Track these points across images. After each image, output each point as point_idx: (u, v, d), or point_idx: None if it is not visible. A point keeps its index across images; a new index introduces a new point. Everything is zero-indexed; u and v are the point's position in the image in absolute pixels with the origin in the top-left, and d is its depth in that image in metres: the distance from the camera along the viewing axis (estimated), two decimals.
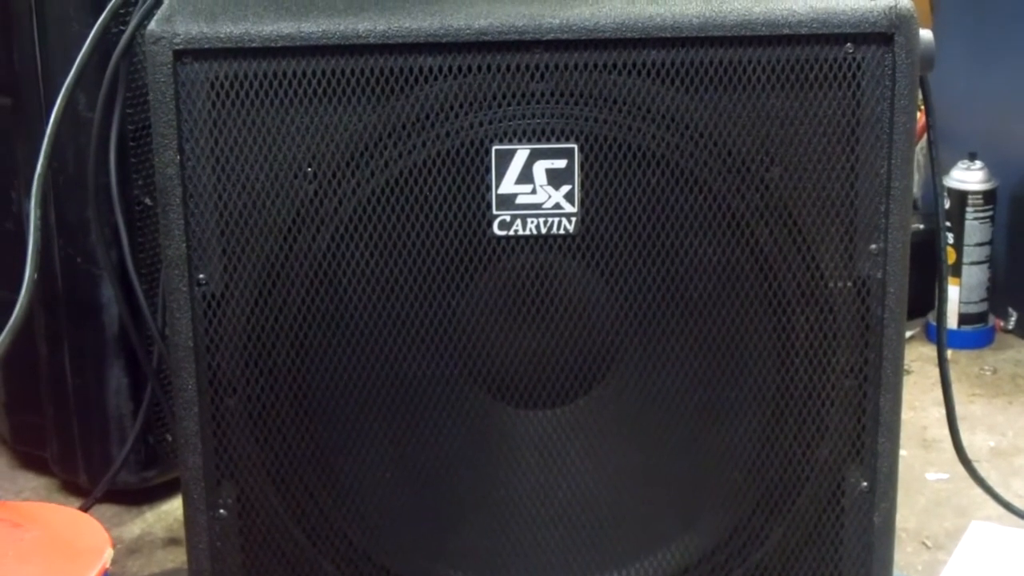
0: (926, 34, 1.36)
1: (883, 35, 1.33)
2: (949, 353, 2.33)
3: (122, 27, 1.59)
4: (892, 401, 1.42)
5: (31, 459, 2.08)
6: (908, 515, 1.95)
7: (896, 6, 1.33)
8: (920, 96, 1.43)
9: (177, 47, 1.31)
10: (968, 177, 2.34)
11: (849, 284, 1.39)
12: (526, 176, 1.34)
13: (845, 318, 1.39)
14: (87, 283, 1.86)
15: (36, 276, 1.42)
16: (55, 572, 0.98)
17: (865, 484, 1.44)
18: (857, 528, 1.46)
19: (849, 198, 1.37)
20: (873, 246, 1.38)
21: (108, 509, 1.98)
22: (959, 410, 2.16)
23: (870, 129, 1.35)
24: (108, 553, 0.98)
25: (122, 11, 1.58)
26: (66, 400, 1.94)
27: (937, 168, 1.65)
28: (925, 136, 2.50)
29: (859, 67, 1.34)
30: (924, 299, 2.33)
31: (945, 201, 2.35)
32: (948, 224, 2.35)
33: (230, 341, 1.38)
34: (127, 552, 1.90)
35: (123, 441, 1.90)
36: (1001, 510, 1.84)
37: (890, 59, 1.33)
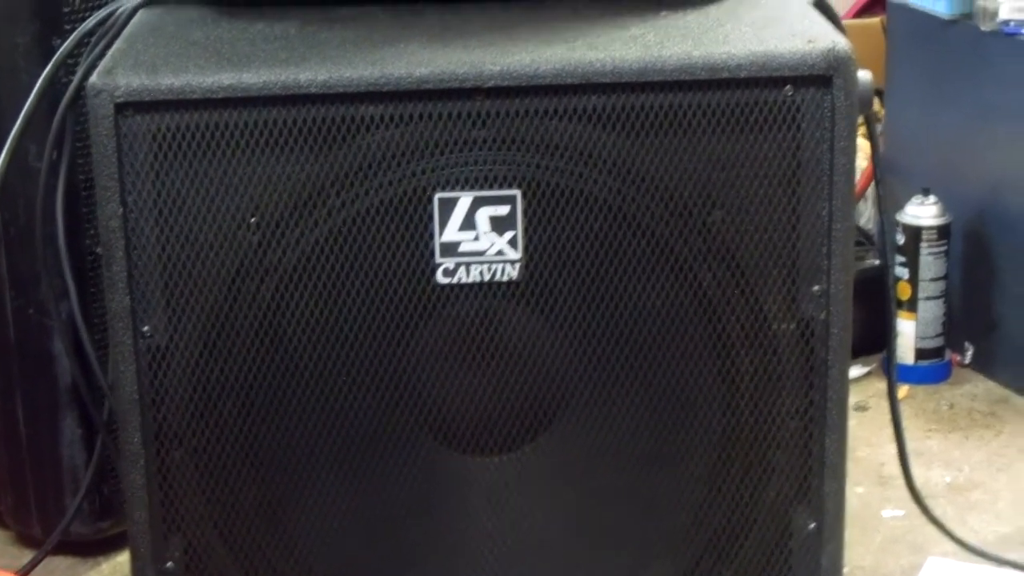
0: (864, 75, 1.37)
1: (821, 77, 1.34)
2: (906, 388, 2.36)
3: (71, 77, 1.59)
4: (837, 442, 1.43)
5: None
6: (864, 552, 1.95)
7: (834, 48, 1.34)
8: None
9: (118, 100, 1.31)
10: (922, 212, 2.35)
11: (792, 326, 1.39)
12: (469, 223, 1.35)
13: (789, 360, 1.40)
14: (39, 334, 1.85)
15: None
16: None
17: (812, 525, 1.44)
18: (805, 569, 1.46)
19: (791, 240, 1.37)
20: (816, 288, 1.38)
21: (63, 560, 1.96)
22: (916, 446, 2.17)
23: (810, 171, 1.36)
24: None
25: (70, 61, 1.58)
26: (19, 451, 1.93)
27: (884, 205, 1.67)
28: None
29: (798, 109, 1.35)
30: (881, 335, 2.33)
31: (900, 237, 2.36)
32: (903, 260, 2.36)
33: (176, 393, 1.37)
34: None
35: (77, 492, 1.89)
36: (958, 546, 1.84)
37: (829, 101, 1.34)
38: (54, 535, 1.84)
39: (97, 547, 1.99)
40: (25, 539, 2.01)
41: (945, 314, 2.39)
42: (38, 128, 1.62)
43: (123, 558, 1.97)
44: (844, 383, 1.42)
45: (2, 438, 1.94)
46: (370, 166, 1.33)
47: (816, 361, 1.40)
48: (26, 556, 1.88)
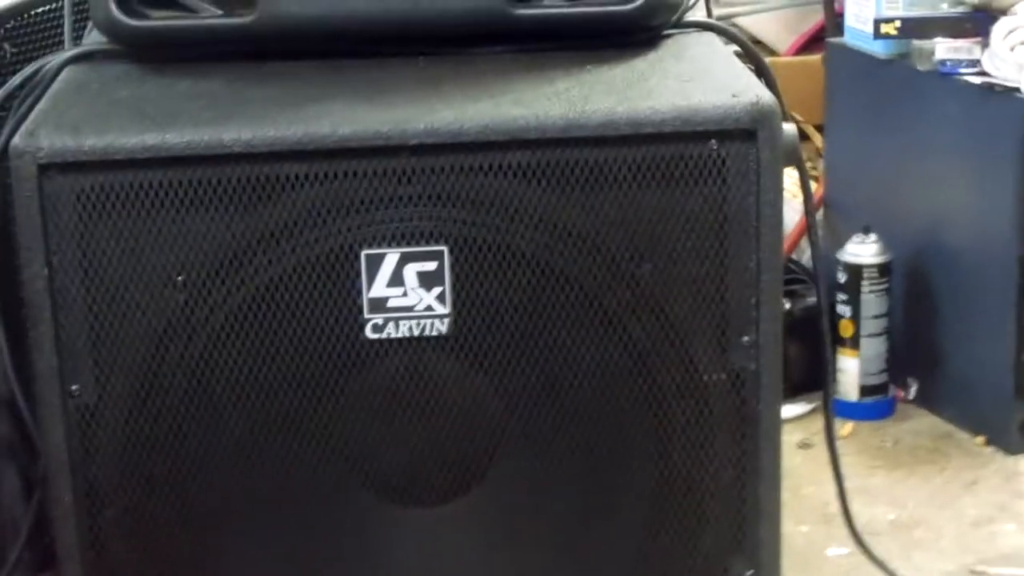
0: (789, 128, 1.38)
1: (746, 131, 1.35)
2: (851, 425, 2.37)
3: None
4: (772, 489, 1.43)
5: None
6: None
7: (758, 103, 1.35)
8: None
9: (41, 161, 1.30)
10: (863, 251, 2.36)
11: (723, 376, 1.40)
12: (397, 279, 1.35)
13: (721, 410, 1.40)
14: None
15: None
16: None
17: (749, 574, 1.44)
18: None
19: (720, 292, 1.38)
20: (745, 338, 1.39)
21: None
22: (860, 483, 2.18)
23: (738, 223, 1.37)
24: None
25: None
26: None
27: (817, 250, 1.68)
28: (820, 211, 2.54)
29: (724, 163, 1.35)
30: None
31: (841, 275, 2.37)
32: (845, 298, 2.37)
33: (106, 452, 1.37)
34: None
35: (17, 542, 1.87)
36: None
37: (754, 154, 1.35)
38: None
39: None
40: None
41: (888, 350, 2.40)
42: None
43: None
44: (776, 430, 1.43)
45: None
46: (296, 224, 1.33)
47: (748, 410, 1.41)
48: None
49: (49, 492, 1.40)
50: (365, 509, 1.42)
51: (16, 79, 1.50)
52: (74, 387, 1.36)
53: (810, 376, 2.17)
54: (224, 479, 1.39)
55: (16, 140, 1.32)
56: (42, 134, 1.32)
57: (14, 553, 1.86)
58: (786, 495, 1.47)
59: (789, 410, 2.30)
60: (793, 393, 2.26)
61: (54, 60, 1.48)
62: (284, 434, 1.38)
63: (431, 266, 1.35)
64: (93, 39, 1.53)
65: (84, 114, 1.36)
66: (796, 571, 1.90)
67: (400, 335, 1.36)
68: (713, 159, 1.35)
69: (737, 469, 1.42)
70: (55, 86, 1.44)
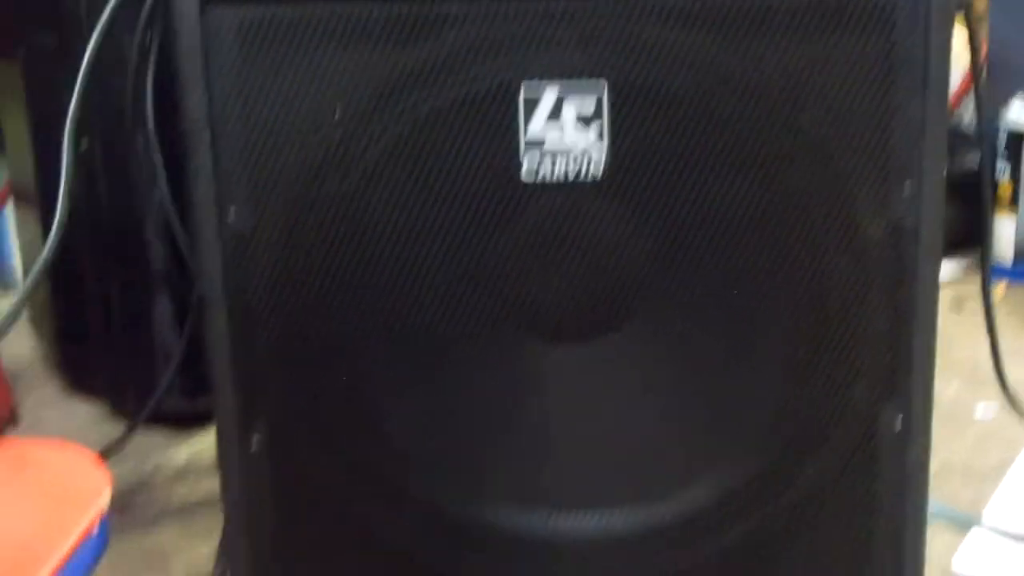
0: None
1: None
2: (1004, 286, 2.32)
3: None
4: (926, 342, 1.42)
5: (82, 386, 2.12)
6: (956, 449, 1.94)
7: None
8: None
9: None
10: None
11: (883, 227, 1.38)
12: (554, 120, 1.34)
13: (879, 261, 1.38)
14: (132, 220, 1.88)
15: (66, 218, 1.43)
16: (50, 515, 0.99)
17: (899, 425, 1.43)
18: (890, 469, 1.45)
19: (883, 142, 1.35)
20: (907, 190, 1.36)
21: (157, 435, 2.01)
22: (1013, 344, 2.15)
23: (905, 72, 1.33)
24: (105, 497, 1.00)
25: None
26: (114, 331, 1.97)
27: (982, 104, 1.63)
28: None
29: (893, 9, 1.31)
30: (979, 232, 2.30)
31: (1003, 137, 2.31)
32: (1004, 160, 2.31)
33: (260, 279, 1.38)
34: (174, 478, 1.93)
35: (169, 369, 1.92)
36: None
37: (925, 0, 1.31)
38: (145, 410, 1.88)
39: (191, 422, 2.03)
40: (120, 412, 2.06)
41: None
42: (132, 15, 1.62)
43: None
44: (934, 283, 1.41)
45: (98, 317, 1.98)
46: (454, 60, 1.32)
47: (907, 261, 1.39)
48: (120, 428, 1.92)
49: (204, 317, 1.43)
50: (513, 346, 1.42)
51: None
52: (231, 216, 1.37)
53: (964, 237, 2.13)
54: (374, 312, 1.40)
55: None
56: None
57: (166, 379, 1.91)
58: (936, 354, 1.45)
59: (942, 270, 2.25)
60: (946, 254, 2.22)
61: None
62: (435, 272, 1.39)
63: (589, 107, 1.33)
64: None
65: None
66: (944, 428, 1.89)
67: (556, 176, 1.35)
68: (881, 5, 1.31)
69: (892, 320, 1.40)
70: None
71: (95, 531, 0.97)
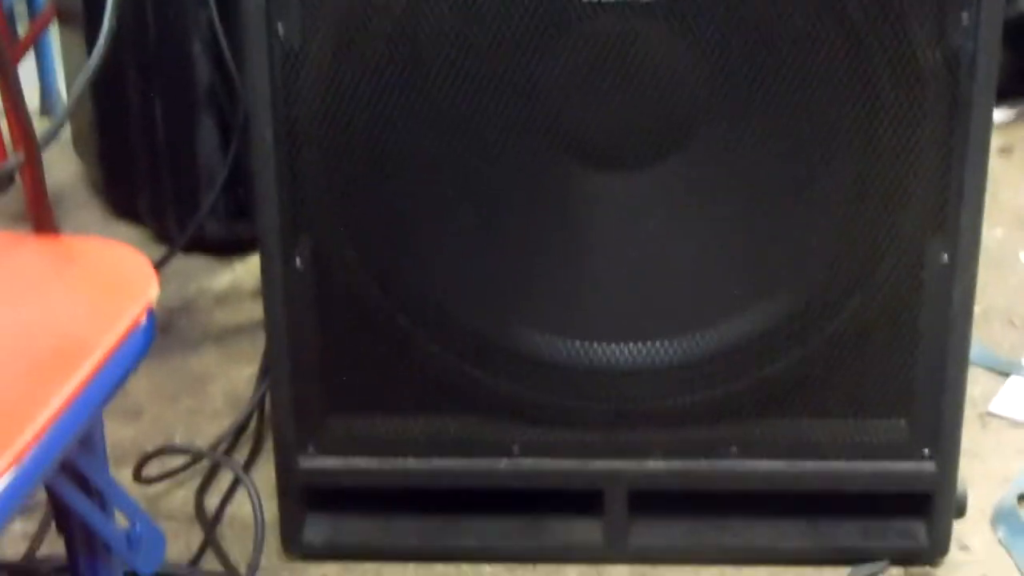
0: None
1: None
2: None
3: None
4: (977, 176, 1.40)
5: (124, 209, 2.12)
6: (998, 294, 1.93)
7: None
8: None
9: None
10: None
11: (939, 55, 1.35)
12: None
13: (933, 90, 1.36)
14: (179, 37, 1.86)
15: (115, 25, 1.41)
16: (99, 306, 1.00)
17: (946, 257, 1.42)
18: (936, 302, 1.44)
19: None
20: (964, 17, 1.33)
21: (199, 260, 2.01)
22: None
23: None
24: (153, 289, 1.00)
25: None
26: (157, 151, 1.97)
27: None
28: None
29: None
30: None
31: None
32: None
33: (308, 94, 1.37)
34: (215, 302, 1.94)
35: (212, 191, 1.91)
36: None
37: None
38: (188, 230, 1.88)
39: (233, 248, 2.03)
40: (162, 237, 2.06)
41: None
42: None
43: (256, 260, 2.01)
44: (988, 117, 1.38)
45: (141, 139, 1.97)
46: None
47: (960, 93, 1.36)
48: (162, 253, 1.92)
49: (249, 135, 1.42)
50: (566, 173, 1.41)
51: None
52: (280, 29, 1.35)
53: (1015, 82, 2.10)
54: (423, 133, 1.38)
55: None
56: None
57: (210, 199, 1.91)
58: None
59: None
60: (996, 99, 2.19)
61: None
62: (486, 93, 1.37)
63: None
64: None
65: None
66: (989, 273, 1.88)
67: None
68: None
69: (944, 152, 1.38)
70: None
71: (143, 321, 0.97)
